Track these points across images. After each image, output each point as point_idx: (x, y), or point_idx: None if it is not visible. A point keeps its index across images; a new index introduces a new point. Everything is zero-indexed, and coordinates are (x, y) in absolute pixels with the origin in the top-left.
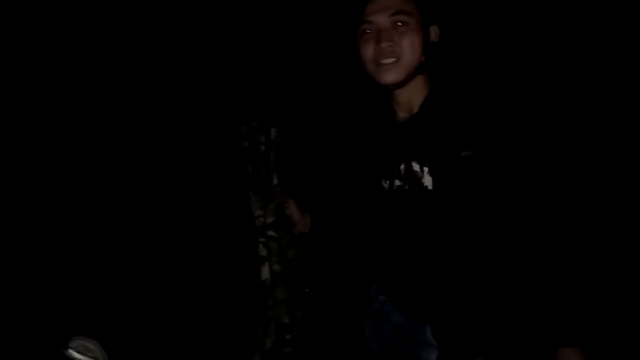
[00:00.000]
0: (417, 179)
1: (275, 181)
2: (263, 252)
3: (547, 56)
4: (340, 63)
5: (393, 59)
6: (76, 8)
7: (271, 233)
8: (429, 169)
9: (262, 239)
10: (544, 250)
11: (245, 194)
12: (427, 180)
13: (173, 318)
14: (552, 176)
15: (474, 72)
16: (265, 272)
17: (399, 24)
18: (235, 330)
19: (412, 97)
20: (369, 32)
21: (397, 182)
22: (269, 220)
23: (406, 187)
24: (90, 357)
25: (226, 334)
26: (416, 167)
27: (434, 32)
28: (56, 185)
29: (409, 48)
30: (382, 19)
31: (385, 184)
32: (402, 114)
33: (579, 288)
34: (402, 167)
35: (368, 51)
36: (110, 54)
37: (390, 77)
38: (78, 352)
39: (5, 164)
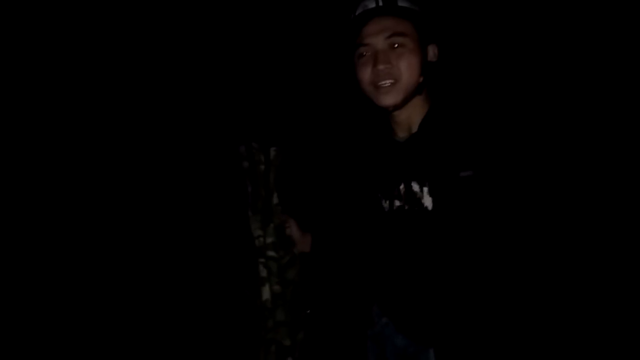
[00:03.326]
0: (417, 199)
1: (275, 201)
2: (263, 272)
3: (546, 73)
4: (339, 83)
5: (391, 81)
6: (73, 10)
7: (271, 253)
8: (428, 189)
9: (262, 260)
10: (545, 272)
11: (245, 214)
12: (427, 201)
13: (169, 339)
14: (553, 196)
15: (472, 91)
16: (265, 293)
17: (396, 45)
18: (235, 353)
19: (411, 117)
20: (366, 55)
21: (397, 203)
22: (269, 240)
23: (406, 208)
24: None
25: (226, 356)
26: (416, 187)
27: (432, 51)
28: (57, 191)
29: (406, 69)
30: (378, 41)
31: (385, 204)
32: (401, 134)
33: (581, 310)
34: (401, 187)
35: (365, 74)
36: (110, 70)
37: (388, 99)
38: None
39: (5, 164)
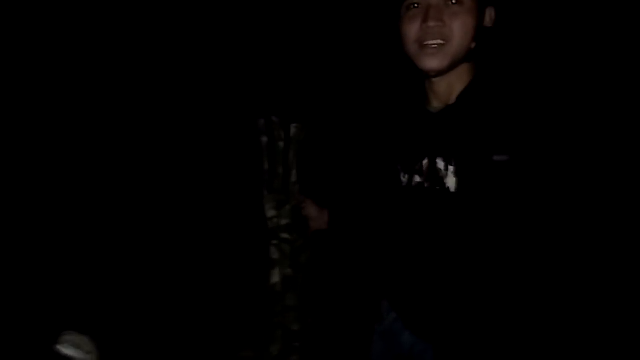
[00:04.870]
0: (440, 177)
1: (293, 180)
2: (275, 255)
3: (611, 57)
4: (368, 47)
5: (440, 42)
6: (76, 10)
7: (285, 235)
8: (454, 169)
9: (274, 241)
10: (578, 273)
11: (259, 193)
12: (451, 181)
13: (172, 317)
14: (597, 195)
15: (524, 66)
16: (275, 276)
17: (453, 1)
18: (240, 335)
19: (451, 86)
20: (416, 8)
21: (417, 179)
22: (284, 222)
23: (426, 185)
24: (82, 352)
25: (231, 338)
26: (441, 164)
27: (489, 15)
28: (51, 182)
29: (459, 31)
30: None
31: (404, 179)
32: (436, 104)
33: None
34: (425, 162)
35: (412, 30)
36: (121, 45)
37: (433, 62)
38: (69, 347)
39: (5, 164)
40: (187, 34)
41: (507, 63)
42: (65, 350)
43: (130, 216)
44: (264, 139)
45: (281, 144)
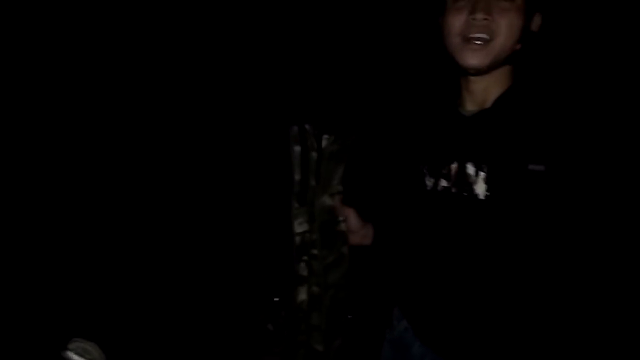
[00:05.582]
0: (469, 183)
1: (325, 195)
2: (304, 271)
3: None
4: (404, 49)
5: (485, 36)
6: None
7: (314, 252)
8: (485, 175)
9: (304, 257)
10: (607, 293)
11: (288, 205)
12: (480, 188)
13: (191, 331)
14: (636, 212)
15: (567, 77)
16: (302, 294)
17: None
18: (262, 351)
19: (489, 88)
20: (463, 0)
21: (444, 183)
22: (314, 236)
23: (453, 191)
24: (89, 359)
25: (252, 355)
26: (471, 169)
27: (536, 20)
28: (62, 187)
29: (506, 29)
30: None
31: (429, 182)
32: (471, 107)
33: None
34: (453, 166)
35: (457, 21)
36: (147, 49)
37: (475, 59)
38: (77, 354)
39: (9, 164)
40: (218, 39)
41: (548, 71)
42: (73, 356)
43: (151, 225)
44: (297, 149)
45: (314, 154)
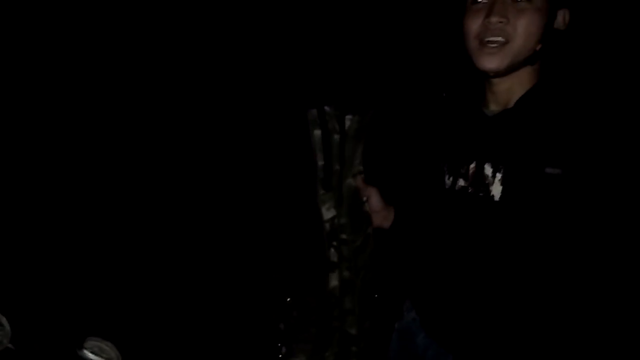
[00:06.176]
0: (485, 184)
1: (350, 177)
2: (334, 257)
3: None
4: (431, 42)
5: (501, 40)
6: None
7: (344, 236)
8: (502, 177)
9: (334, 243)
10: (621, 303)
11: (313, 191)
12: (496, 189)
13: (199, 328)
14: None
15: (594, 77)
16: (334, 280)
17: None
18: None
19: (511, 89)
20: (481, 2)
21: (461, 182)
22: (343, 221)
23: (469, 190)
24: (105, 358)
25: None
26: (488, 170)
27: (562, 16)
28: (82, 187)
29: (523, 31)
30: None
31: (448, 180)
32: (494, 107)
33: None
34: (472, 166)
35: (474, 24)
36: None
37: (491, 62)
38: (93, 352)
39: (25, 164)
40: (231, 21)
41: (576, 71)
42: (89, 355)
43: (167, 224)
44: (317, 132)
45: (336, 137)
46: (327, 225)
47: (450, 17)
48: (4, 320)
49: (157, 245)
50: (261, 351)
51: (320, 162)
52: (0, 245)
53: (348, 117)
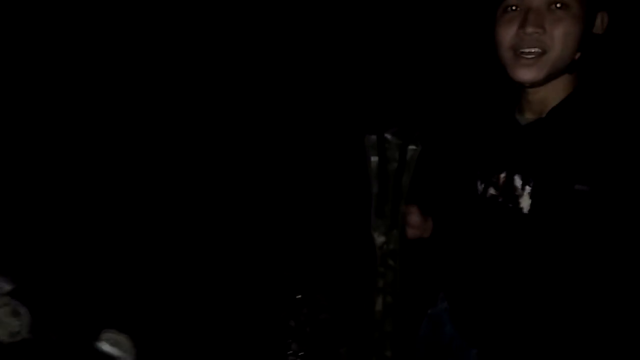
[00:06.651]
0: (515, 195)
1: (403, 206)
2: (380, 283)
3: None
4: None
5: (537, 50)
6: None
7: (391, 262)
8: (531, 190)
9: (381, 269)
10: None
11: (367, 218)
12: (525, 202)
13: (211, 325)
14: None
15: (631, 82)
16: (379, 304)
17: (557, 5)
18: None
19: (547, 98)
20: (514, 10)
21: (492, 191)
22: (391, 247)
23: (499, 200)
24: (120, 350)
25: None
26: (518, 182)
27: (600, 20)
28: (99, 185)
29: (561, 41)
30: None
31: (480, 187)
32: (529, 115)
33: None
34: (502, 175)
35: (507, 34)
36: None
37: (528, 74)
38: (109, 345)
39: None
40: (290, 42)
41: (613, 78)
42: (105, 347)
43: (190, 216)
44: (374, 159)
45: (394, 164)
46: (378, 251)
47: (480, 26)
48: (25, 311)
49: (172, 243)
50: (272, 347)
51: (375, 190)
52: (22, 239)
53: (411, 147)
